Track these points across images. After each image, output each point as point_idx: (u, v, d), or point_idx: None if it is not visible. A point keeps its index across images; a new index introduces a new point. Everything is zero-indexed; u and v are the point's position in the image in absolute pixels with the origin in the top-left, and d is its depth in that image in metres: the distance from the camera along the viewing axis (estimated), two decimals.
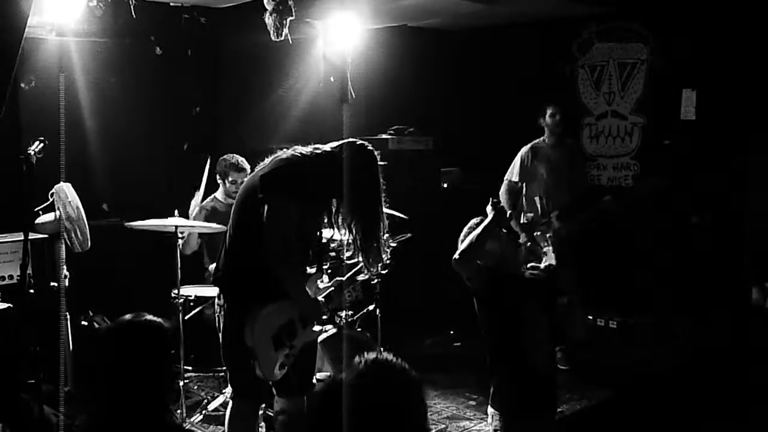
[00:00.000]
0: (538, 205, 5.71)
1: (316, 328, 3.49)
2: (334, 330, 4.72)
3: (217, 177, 5.25)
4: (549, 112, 5.68)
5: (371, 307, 5.19)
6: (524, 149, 5.78)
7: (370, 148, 3.46)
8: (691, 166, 5.73)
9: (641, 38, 6.13)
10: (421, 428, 1.77)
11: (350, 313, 5.04)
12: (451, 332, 6.43)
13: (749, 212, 5.50)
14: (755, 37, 5.38)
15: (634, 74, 6.19)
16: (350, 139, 3.48)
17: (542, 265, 4.00)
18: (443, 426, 4.73)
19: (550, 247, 5.55)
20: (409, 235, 4.50)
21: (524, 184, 5.77)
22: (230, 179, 5.14)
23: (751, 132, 5.44)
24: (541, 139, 5.77)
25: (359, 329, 5.03)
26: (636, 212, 5.93)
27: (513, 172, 5.79)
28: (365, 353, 1.85)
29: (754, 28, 5.38)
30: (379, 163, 3.43)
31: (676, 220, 5.80)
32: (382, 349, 4.62)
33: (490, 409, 3.41)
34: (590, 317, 5.48)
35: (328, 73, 6.50)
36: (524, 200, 5.79)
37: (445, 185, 6.84)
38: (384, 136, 6.59)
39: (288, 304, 3.33)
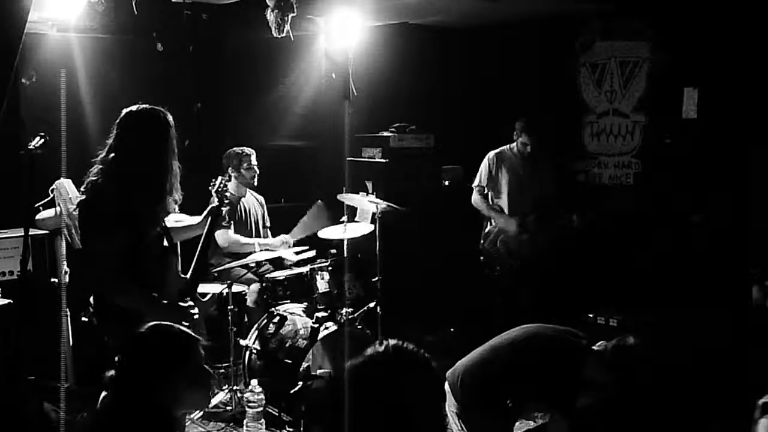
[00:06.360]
0: (506, 211, 5.80)
1: None
2: (334, 327, 4.71)
3: (230, 170, 5.46)
4: (521, 140, 5.72)
5: (372, 305, 5.19)
6: (490, 155, 5.87)
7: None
8: (692, 164, 5.72)
9: (643, 36, 6.10)
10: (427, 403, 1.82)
11: (351, 310, 5.04)
12: (452, 329, 6.42)
13: (750, 210, 5.48)
14: (757, 34, 5.36)
15: (635, 72, 6.18)
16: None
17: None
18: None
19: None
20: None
21: (490, 191, 5.87)
22: (245, 166, 5.48)
23: (753, 130, 5.42)
24: (508, 146, 5.85)
25: (359, 326, 5.02)
26: (636, 210, 5.93)
27: (480, 178, 5.88)
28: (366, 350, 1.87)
29: (756, 25, 5.36)
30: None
31: (676, 218, 5.79)
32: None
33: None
34: (590, 315, 5.46)
35: (329, 70, 6.49)
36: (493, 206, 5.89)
37: (446, 183, 6.83)
38: (385, 133, 6.60)
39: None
